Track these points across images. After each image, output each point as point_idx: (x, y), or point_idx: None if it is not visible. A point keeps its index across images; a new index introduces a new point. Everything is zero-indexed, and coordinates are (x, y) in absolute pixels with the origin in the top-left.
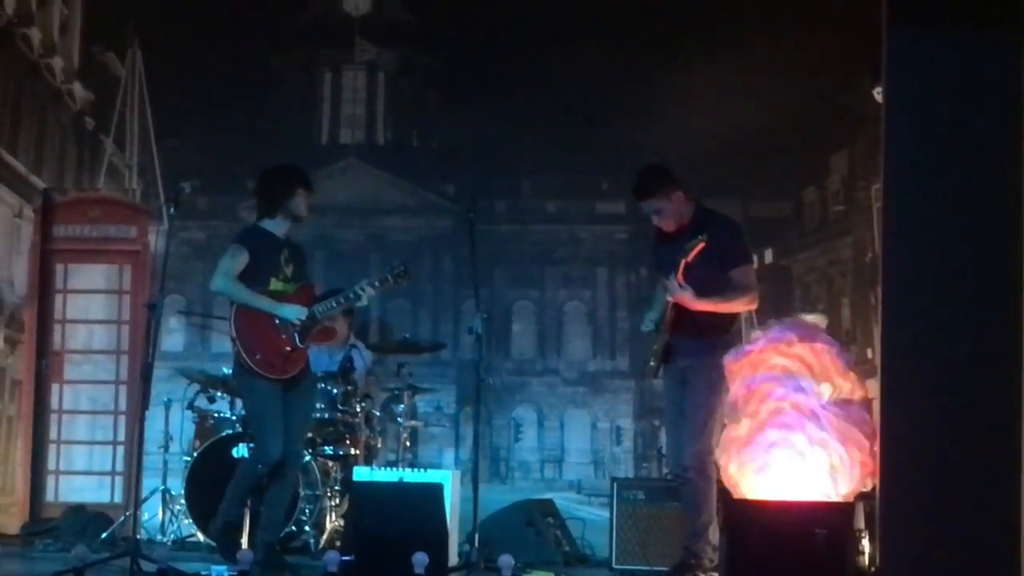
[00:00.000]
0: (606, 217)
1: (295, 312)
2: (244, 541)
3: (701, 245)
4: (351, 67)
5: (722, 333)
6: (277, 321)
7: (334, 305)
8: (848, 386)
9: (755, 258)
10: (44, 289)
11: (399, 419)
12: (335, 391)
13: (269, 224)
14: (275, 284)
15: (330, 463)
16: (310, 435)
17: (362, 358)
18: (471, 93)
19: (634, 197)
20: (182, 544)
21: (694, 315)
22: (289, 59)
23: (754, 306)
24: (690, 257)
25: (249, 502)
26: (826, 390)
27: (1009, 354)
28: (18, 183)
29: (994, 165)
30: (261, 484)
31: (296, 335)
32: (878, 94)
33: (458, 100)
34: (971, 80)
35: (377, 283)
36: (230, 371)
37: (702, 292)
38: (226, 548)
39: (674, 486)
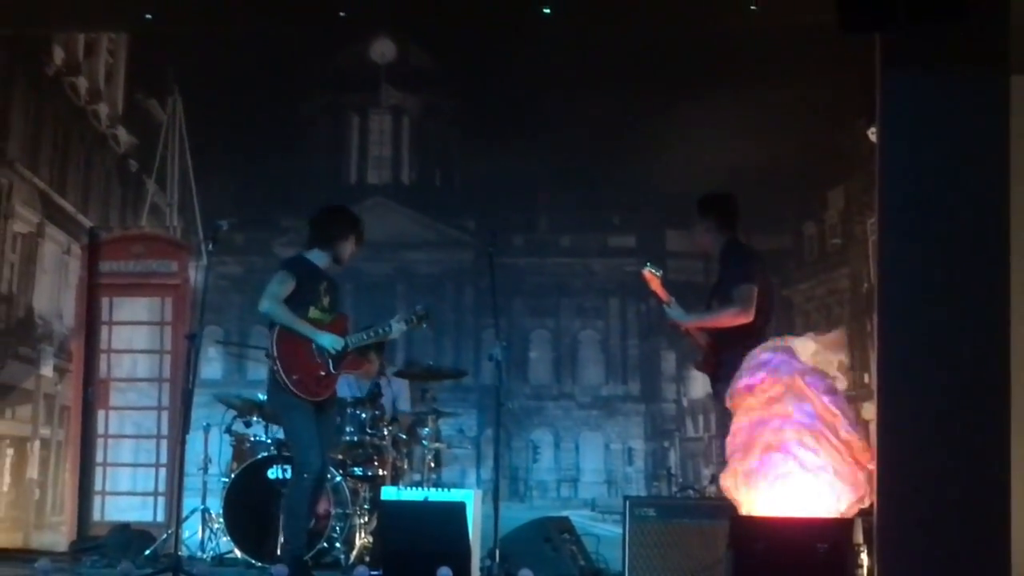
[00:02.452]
0: (617, 250)
1: (333, 341)
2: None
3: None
4: (377, 111)
5: (733, 350)
6: (315, 347)
7: (365, 337)
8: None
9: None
10: (91, 321)
11: (424, 441)
12: (364, 415)
13: (314, 255)
14: (313, 312)
15: (359, 483)
16: (340, 456)
17: (390, 389)
18: (491, 134)
19: None
20: (221, 560)
21: (714, 340)
22: (319, 105)
23: (743, 319)
24: (648, 276)
25: (283, 518)
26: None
27: (998, 378)
28: (66, 222)
29: (982, 200)
30: (312, 502)
31: (330, 361)
32: (872, 134)
33: (479, 141)
34: (960, 120)
35: (405, 322)
36: (265, 397)
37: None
38: None
39: (683, 503)
